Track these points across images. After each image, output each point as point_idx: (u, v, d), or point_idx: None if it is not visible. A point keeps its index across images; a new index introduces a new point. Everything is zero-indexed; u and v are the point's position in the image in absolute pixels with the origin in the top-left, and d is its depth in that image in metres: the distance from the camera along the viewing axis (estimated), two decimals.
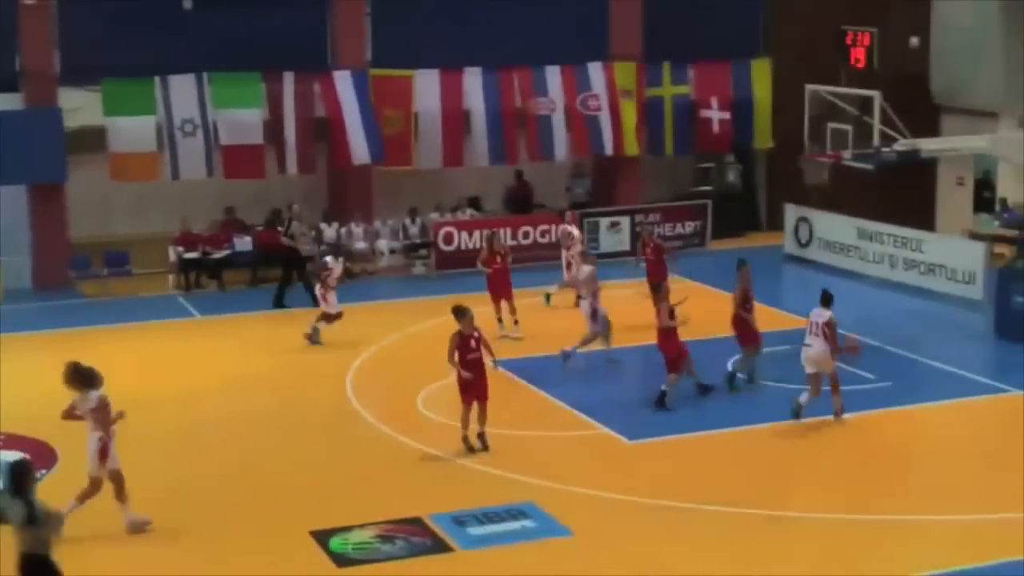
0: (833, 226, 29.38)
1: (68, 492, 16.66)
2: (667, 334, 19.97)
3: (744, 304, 20.55)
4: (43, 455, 17.86)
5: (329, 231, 29.07)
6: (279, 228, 27.05)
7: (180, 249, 28.13)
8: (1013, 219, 28.59)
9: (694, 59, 32.04)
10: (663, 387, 19.74)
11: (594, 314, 21.88)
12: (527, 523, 15.43)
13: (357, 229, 29.42)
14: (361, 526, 15.36)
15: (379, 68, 29.72)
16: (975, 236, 28.37)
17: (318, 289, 23.80)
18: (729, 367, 20.56)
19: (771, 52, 32.87)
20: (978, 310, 24.85)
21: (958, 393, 20.43)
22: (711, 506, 15.89)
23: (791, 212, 30.61)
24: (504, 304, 23.71)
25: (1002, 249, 27.66)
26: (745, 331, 20.61)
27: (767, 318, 23.25)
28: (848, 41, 28.74)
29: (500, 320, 23.51)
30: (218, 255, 28.38)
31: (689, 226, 30.99)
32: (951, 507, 15.96)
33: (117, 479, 15.34)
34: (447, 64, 30.01)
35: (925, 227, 29.36)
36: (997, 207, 30.05)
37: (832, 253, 28.95)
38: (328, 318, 23.57)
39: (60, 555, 14.82)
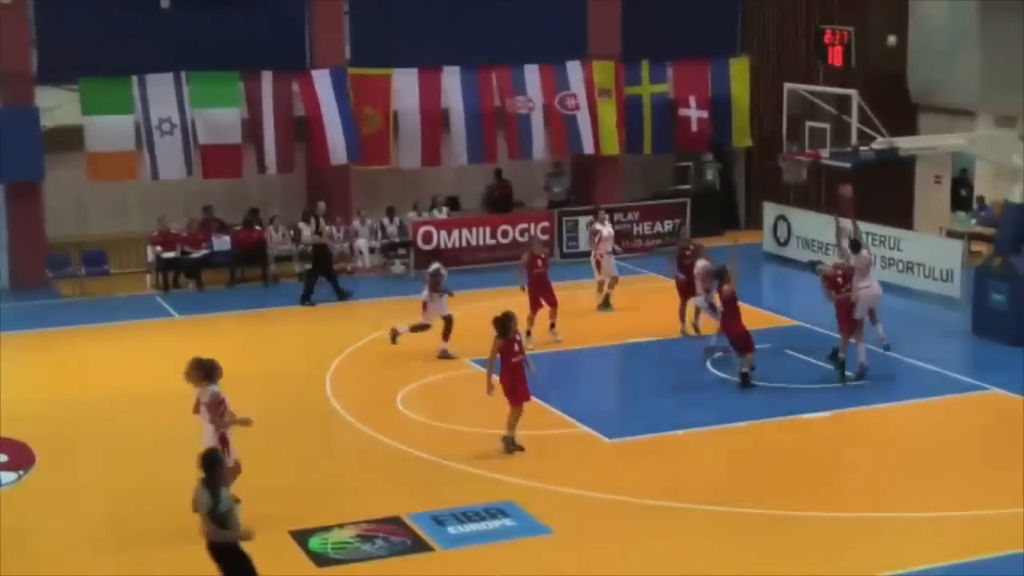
0: (812, 224, 29.43)
1: (46, 493, 16.65)
2: (729, 315, 20.59)
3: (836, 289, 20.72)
4: (22, 456, 17.79)
5: (307, 230, 28.99)
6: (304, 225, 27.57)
7: (158, 249, 28.01)
8: (990, 217, 28.70)
9: (673, 58, 32.10)
10: (743, 369, 20.39)
11: (712, 307, 21.86)
12: (507, 522, 15.43)
13: (336, 229, 29.33)
14: (340, 526, 15.33)
15: (358, 67, 29.67)
16: (952, 234, 28.48)
17: (424, 295, 22.61)
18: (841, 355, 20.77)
19: (749, 51, 32.97)
20: (956, 308, 24.94)
21: (936, 391, 20.49)
22: (692, 504, 15.92)
23: (770, 210, 30.68)
24: (544, 309, 23.23)
25: (979, 247, 27.78)
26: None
27: (747, 316, 23.25)
28: (826, 40, 28.80)
29: (529, 333, 22.43)
30: (196, 255, 28.29)
31: (668, 225, 31.01)
32: (930, 504, 16.00)
33: (235, 470, 15.38)
34: (426, 63, 29.96)
35: (903, 225, 29.47)
36: (974, 205, 30.16)
37: (811, 251, 29.00)
38: (423, 328, 22.57)
39: (37, 558, 14.83)
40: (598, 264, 25.51)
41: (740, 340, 20.58)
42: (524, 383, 17.78)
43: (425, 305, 22.59)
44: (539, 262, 23.27)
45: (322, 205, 27.35)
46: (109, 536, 15.56)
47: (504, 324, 17.69)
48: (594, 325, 24.36)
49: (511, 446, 17.71)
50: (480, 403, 19.51)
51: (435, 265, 22.92)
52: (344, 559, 14.58)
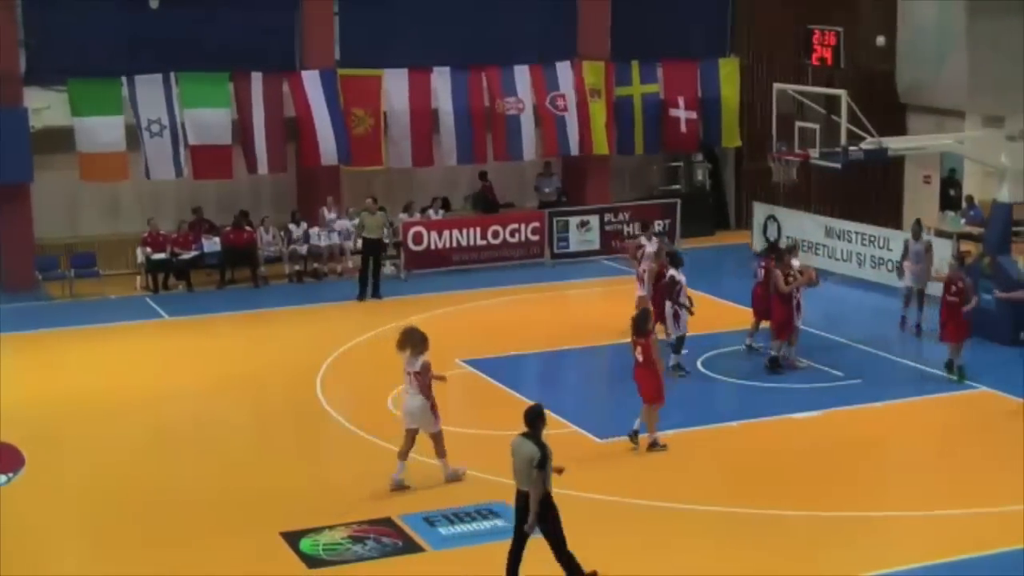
0: (801, 224, 29.49)
1: (36, 496, 16.62)
2: (778, 301, 21.10)
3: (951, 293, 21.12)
4: (11, 458, 17.74)
5: (297, 231, 28.96)
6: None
7: (148, 250, 27.96)
8: (979, 217, 28.73)
9: (662, 58, 32.13)
10: (771, 352, 21.05)
11: (797, 307, 21.68)
12: (498, 522, 15.42)
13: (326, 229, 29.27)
14: (332, 527, 15.32)
15: (347, 68, 29.65)
16: (941, 234, 28.50)
17: (668, 307, 21.32)
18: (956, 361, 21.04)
19: (739, 51, 33.00)
20: None
21: (926, 390, 20.55)
22: (682, 504, 15.93)
23: (760, 210, 30.71)
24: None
25: (968, 247, 27.78)
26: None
27: (736, 316, 23.31)
28: (815, 40, 28.81)
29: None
30: (186, 256, 28.23)
31: (658, 225, 30.98)
32: (922, 503, 16.02)
33: (439, 437, 16.47)
34: (416, 63, 29.96)
35: (892, 225, 29.49)
36: (963, 205, 30.19)
37: (801, 251, 28.98)
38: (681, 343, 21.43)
39: (26, 560, 14.80)
40: (641, 279, 23.61)
41: (779, 322, 21.10)
42: None
43: (676, 315, 21.42)
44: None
45: (369, 200, 27.29)
46: (99, 538, 15.53)
47: (641, 323, 17.95)
48: (585, 325, 24.33)
49: (659, 445, 17.90)
50: (470, 404, 19.56)
51: (670, 273, 21.53)
52: (335, 560, 14.57)
